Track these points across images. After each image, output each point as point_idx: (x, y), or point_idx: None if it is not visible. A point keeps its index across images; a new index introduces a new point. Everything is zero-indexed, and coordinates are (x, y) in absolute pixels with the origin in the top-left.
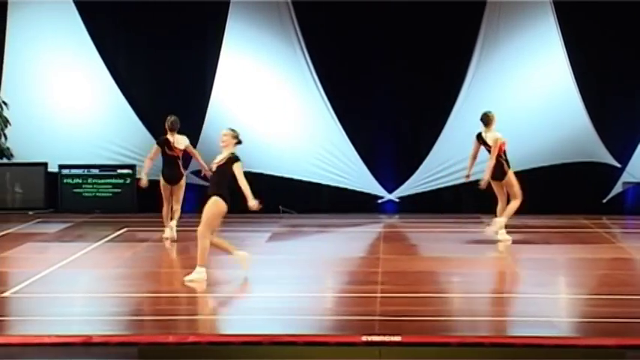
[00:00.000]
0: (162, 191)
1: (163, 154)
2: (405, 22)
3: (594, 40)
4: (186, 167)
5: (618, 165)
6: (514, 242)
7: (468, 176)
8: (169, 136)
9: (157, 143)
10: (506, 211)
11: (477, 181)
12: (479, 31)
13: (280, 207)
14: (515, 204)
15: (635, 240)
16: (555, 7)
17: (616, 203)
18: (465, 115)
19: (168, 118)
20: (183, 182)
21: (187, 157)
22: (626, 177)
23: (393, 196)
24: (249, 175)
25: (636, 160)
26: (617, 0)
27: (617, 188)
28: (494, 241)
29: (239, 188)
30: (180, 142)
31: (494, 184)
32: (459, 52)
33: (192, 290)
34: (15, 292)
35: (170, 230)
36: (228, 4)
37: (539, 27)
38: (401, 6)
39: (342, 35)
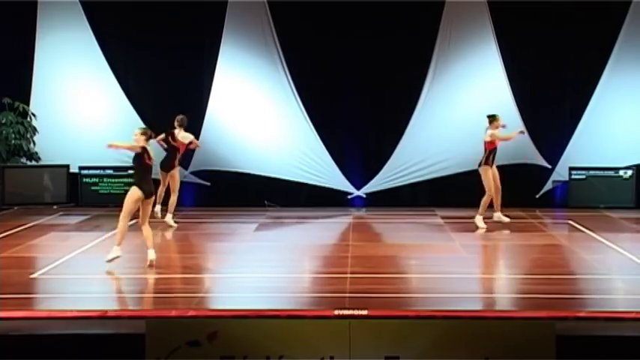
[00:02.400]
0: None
1: (167, 143)
2: (370, 49)
3: (528, 61)
4: (186, 167)
5: (549, 166)
6: (462, 230)
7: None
8: (176, 130)
9: (165, 132)
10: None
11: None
12: (432, 55)
13: (266, 202)
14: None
15: (562, 229)
16: (496, 35)
17: (547, 198)
18: (421, 124)
19: (177, 116)
20: (176, 173)
21: (189, 154)
22: (555, 176)
23: (361, 192)
24: (241, 175)
25: (564, 162)
26: (547, 29)
27: (548, 185)
28: (445, 230)
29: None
30: (185, 137)
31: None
32: (416, 73)
33: (191, 272)
34: (42, 274)
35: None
36: (222, 31)
37: (482, 51)
38: (367, 34)
39: (319, 58)
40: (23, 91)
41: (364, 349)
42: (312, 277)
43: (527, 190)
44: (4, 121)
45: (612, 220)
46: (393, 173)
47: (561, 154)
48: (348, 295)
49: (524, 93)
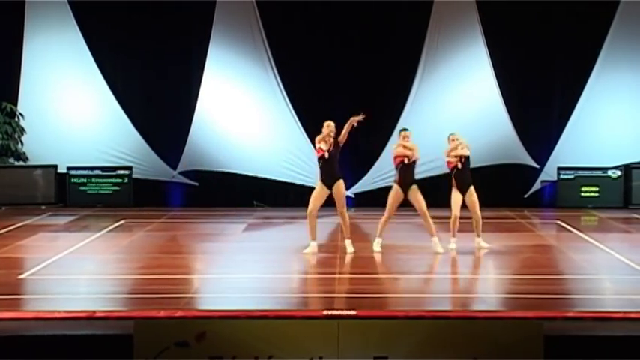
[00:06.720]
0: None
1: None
2: (358, 49)
3: (517, 62)
4: (174, 168)
5: (537, 166)
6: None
7: None
8: None
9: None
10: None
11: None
12: (421, 55)
13: (254, 202)
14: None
15: (550, 229)
16: (484, 35)
17: (535, 198)
18: (409, 124)
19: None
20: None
21: (177, 154)
22: (543, 176)
23: (350, 192)
24: (229, 175)
25: (552, 162)
26: (535, 30)
27: (536, 186)
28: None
29: None
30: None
31: None
32: (404, 72)
33: (180, 272)
34: (30, 275)
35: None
36: (210, 32)
37: (471, 51)
38: (355, 35)
39: (307, 58)
40: (11, 92)
41: (353, 349)
42: (300, 278)
43: (515, 191)
44: None
45: (600, 220)
46: (382, 173)
47: (550, 154)
48: (336, 295)
49: (513, 93)
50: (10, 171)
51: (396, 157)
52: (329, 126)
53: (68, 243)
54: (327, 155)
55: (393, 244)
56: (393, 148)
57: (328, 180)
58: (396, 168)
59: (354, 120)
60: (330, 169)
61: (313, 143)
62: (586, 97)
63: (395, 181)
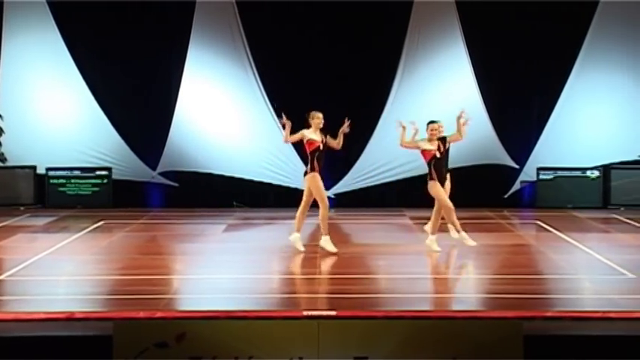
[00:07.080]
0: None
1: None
2: (338, 50)
3: (496, 62)
4: (154, 168)
5: (517, 166)
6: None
7: None
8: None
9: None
10: None
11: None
12: (401, 55)
13: (234, 202)
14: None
15: (530, 229)
16: (464, 36)
17: (515, 198)
18: (388, 126)
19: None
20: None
21: (157, 155)
22: (523, 176)
23: (330, 193)
24: (209, 176)
25: (531, 162)
26: (515, 30)
27: (516, 186)
28: (413, 230)
29: None
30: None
31: None
32: (384, 72)
33: (159, 273)
34: (9, 276)
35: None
36: (190, 32)
37: (451, 52)
38: (335, 35)
39: (287, 59)
40: None
41: (333, 349)
42: (280, 278)
43: (495, 191)
44: None
45: (579, 220)
46: (362, 174)
47: (529, 154)
48: (316, 295)
49: (493, 94)
50: None
51: (424, 152)
52: (319, 117)
53: (47, 244)
54: (321, 147)
55: (373, 244)
56: (422, 143)
57: (321, 172)
58: (429, 164)
59: (344, 129)
60: (323, 161)
61: (292, 143)
62: (565, 98)
63: (430, 178)
